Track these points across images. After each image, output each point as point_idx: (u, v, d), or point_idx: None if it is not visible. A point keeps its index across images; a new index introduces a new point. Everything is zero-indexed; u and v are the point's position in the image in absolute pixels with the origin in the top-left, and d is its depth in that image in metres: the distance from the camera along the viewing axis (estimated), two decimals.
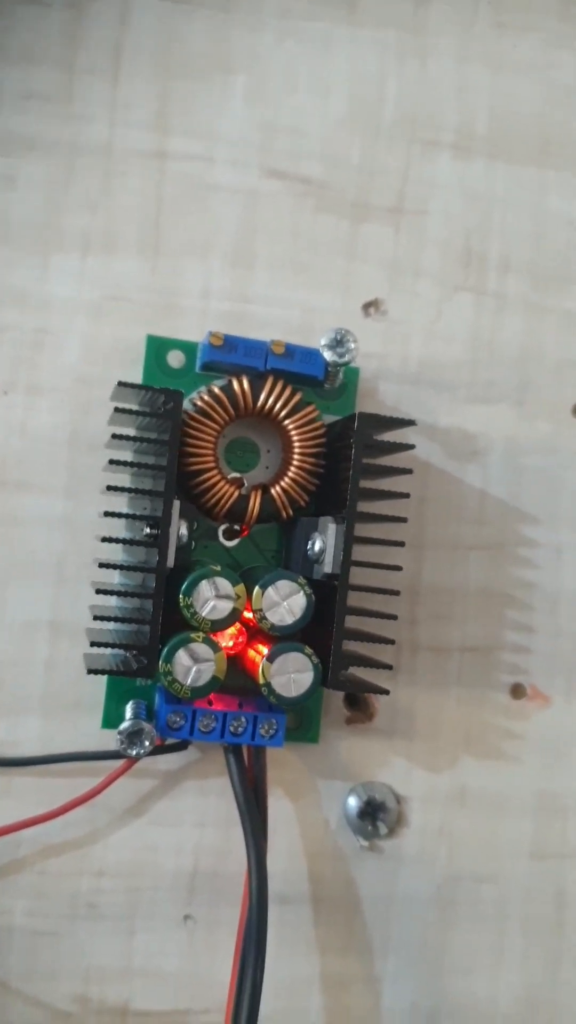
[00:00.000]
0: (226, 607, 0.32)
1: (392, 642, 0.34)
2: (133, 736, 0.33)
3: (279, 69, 0.37)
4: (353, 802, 0.37)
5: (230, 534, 0.36)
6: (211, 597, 0.32)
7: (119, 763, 0.34)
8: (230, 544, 0.36)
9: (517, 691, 0.39)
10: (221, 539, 0.36)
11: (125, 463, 0.32)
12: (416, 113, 0.38)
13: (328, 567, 0.33)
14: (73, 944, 0.36)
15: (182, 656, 0.32)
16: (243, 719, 0.33)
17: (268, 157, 0.37)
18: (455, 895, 0.38)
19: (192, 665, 0.32)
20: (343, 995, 0.38)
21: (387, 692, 0.34)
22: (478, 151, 0.39)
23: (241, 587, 0.32)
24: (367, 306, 0.38)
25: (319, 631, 0.33)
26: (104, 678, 0.35)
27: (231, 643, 0.34)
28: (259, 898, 0.33)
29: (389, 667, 0.34)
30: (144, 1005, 0.36)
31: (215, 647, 0.32)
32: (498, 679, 0.38)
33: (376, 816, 0.37)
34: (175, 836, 0.37)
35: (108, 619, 0.33)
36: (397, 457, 0.34)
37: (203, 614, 0.32)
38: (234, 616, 0.32)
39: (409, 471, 0.34)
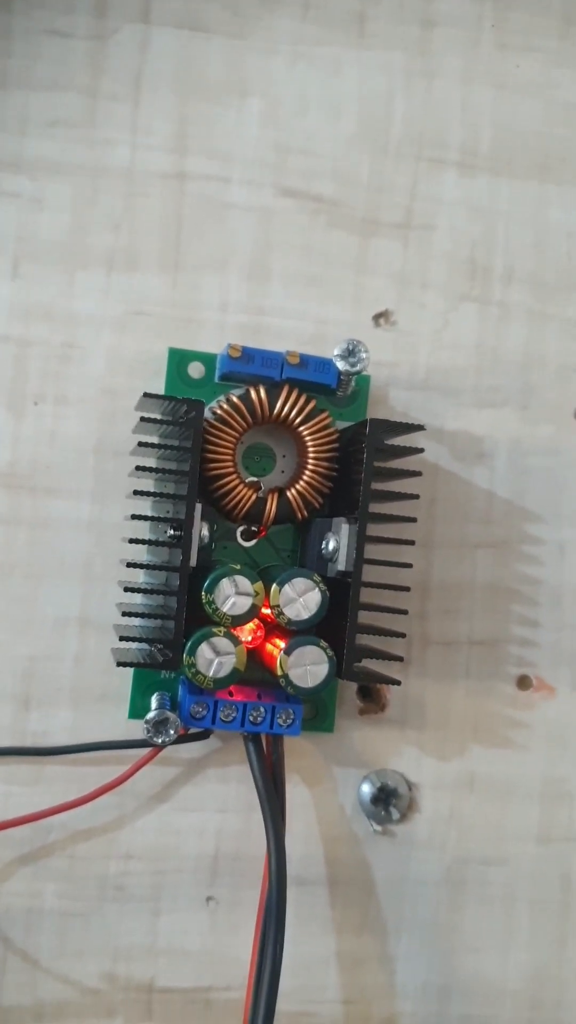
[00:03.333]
0: (245, 603, 0.34)
1: (403, 635, 0.36)
2: (159, 725, 0.35)
3: (292, 92, 0.39)
4: (367, 789, 0.39)
5: (248, 535, 0.37)
6: (231, 594, 0.34)
7: (145, 751, 0.36)
8: (248, 544, 0.38)
9: (523, 682, 0.40)
10: (239, 540, 0.37)
11: (151, 469, 0.34)
12: (423, 132, 0.40)
13: (342, 565, 0.35)
14: (101, 924, 0.38)
15: (205, 649, 0.34)
16: (262, 709, 0.35)
17: (282, 176, 0.39)
18: (465, 877, 0.40)
19: (214, 658, 0.34)
20: (358, 973, 0.39)
21: (398, 683, 0.35)
22: (482, 168, 0.40)
23: (259, 584, 0.34)
24: (377, 317, 0.40)
25: (333, 626, 0.35)
26: (130, 671, 0.37)
27: (250, 638, 0.36)
28: (278, 879, 0.35)
29: (400, 659, 0.36)
30: (169, 982, 0.38)
31: (235, 641, 0.34)
32: (505, 671, 0.40)
33: (389, 802, 0.39)
34: (198, 821, 0.38)
35: (135, 615, 0.35)
36: (407, 460, 0.36)
37: (224, 610, 0.34)
38: (253, 612, 0.34)
39: (418, 473, 0.35)
